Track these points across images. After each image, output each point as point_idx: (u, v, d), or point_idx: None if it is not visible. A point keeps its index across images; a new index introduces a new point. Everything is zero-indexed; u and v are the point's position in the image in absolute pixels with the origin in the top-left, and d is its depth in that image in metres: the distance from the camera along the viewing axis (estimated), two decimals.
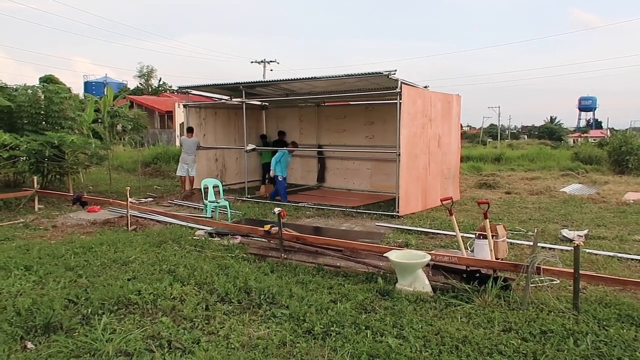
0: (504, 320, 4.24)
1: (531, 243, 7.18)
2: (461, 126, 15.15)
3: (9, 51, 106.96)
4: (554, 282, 5.30)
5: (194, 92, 14.01)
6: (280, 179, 12.05)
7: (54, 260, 6.24)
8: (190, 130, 13.25)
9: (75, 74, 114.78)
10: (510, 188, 14.56)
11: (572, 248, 6.34)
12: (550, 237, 7.83)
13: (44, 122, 13.02)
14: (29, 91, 13.27)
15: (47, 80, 29.84)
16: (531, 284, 4.80)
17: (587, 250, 6.79)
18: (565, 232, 7.71)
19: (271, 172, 12.22)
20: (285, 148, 12.82)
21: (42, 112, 12.99)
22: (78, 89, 44.41)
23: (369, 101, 13.75)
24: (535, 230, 4.89)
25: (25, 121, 12.72)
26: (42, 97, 13.16)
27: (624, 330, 3.99)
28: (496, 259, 5.37)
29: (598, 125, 77.63)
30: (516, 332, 3.99)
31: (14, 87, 13.81)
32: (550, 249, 7.04)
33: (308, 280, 5.38)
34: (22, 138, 11.49)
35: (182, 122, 14.10)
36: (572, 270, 4.52)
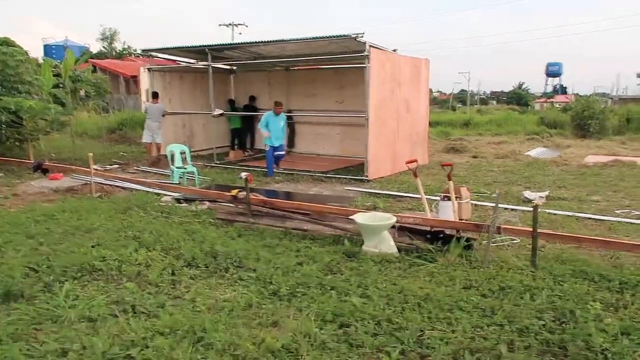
0: (465, 278, 4.37)
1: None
2: (431, 91, 15.23)
3: None
4: (515, 242, 5.47)
5: (158, 55, 13.53)
6: (267, 148, 10.91)
7: (14, 228, 6.05)
8: (155, 95, 12.88)
9: (34, 37, 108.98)
10: (477, 152, 14.84)
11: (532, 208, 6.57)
12: (513, 199, 8.05)
13: None
14: None
15: (3, 43, 28.31)
16: (493, 243, 4.95)
17: (547, 211, 7.02)
18: (527, 194, 7.94)
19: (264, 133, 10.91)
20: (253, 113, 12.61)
21: None
22: (37, 53, 42.30)
23: (339, 65, 13.60)
24: (497, 192, 5.01)
25: None
26: None
27: (578, 285, 4.17)
28: (460, 220, 5.50)
29: (564, 90, 79.07)
30: (476, 289, 4.13)
31: None
32: (512, 209, 7.24)
33: (275, 244, 5.40)
34: None
35: (148, 88, 13.64)
36: (530, 229, 4.67)
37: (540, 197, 7.80)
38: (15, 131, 11.86)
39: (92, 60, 37.08)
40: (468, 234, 5.32)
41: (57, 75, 18.30)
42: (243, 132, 14.70)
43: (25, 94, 12.89)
